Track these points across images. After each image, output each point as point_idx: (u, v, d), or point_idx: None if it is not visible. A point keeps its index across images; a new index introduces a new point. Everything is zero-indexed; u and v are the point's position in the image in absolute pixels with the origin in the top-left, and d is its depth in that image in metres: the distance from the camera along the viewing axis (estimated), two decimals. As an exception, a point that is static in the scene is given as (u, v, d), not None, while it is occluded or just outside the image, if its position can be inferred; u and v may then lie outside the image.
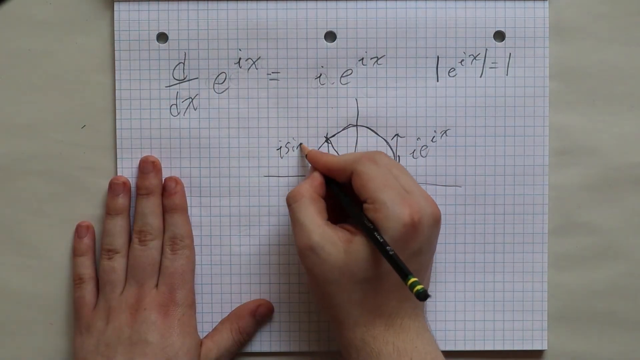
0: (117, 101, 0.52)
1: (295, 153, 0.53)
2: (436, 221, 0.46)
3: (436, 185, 0.53)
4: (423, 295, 0.41)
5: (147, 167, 0.51)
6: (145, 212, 0.51)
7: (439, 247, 0.52)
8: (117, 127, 0.52)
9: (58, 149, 0.52)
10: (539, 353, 0.54)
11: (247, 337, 0.52)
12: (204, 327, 0.53)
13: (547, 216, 0.53)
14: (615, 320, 0.53)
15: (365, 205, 0.46)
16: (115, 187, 0.51)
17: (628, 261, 0.53)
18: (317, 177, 0.49)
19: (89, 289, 0.51)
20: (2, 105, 0.52)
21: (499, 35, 0.52)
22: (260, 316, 0.52)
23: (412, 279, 0.42)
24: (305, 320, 0.53)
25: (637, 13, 0.53)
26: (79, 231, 0.52)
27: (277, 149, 0.53)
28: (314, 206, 0.47)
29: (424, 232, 0.45)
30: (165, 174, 0.52)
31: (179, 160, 0.52)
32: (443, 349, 0.53)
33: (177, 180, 0.52)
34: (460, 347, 0.53)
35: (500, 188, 0.53)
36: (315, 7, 0.52)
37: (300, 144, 0.52)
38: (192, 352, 0.50)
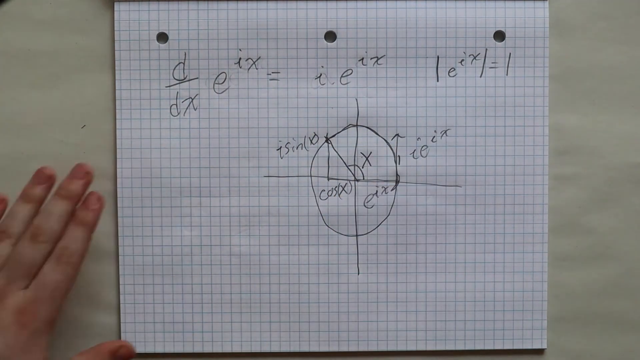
0: (117, 101, 0.52)
1: (295, 153, 0.53)
2: None
3: (436, 185, 0.53)
4: None
5: (80, 173, 0.49)
6: (53, 212, 0.48)
7: (439, 247, 0.53)
8: (117, 127, 0.52)
9: (58, 149, 0.52)
10: (539, 352, 0.54)
11: None
12: (204, 327, 0.53)
13: (547, 216, 0.53)
14: (615, 320, 0.54)
15: None
16: (41, 176, 0.49)
17: (628, 261, 0.53)
18: None
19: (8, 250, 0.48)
20: (2, 105, 0.52)
21: (499, 35, 0.52)
22: (120, 358, 0.49)
23: None
24: (305, 321, 0.53)
25: (636, 13, 0.53)
26: (40, 176, 0.49)
27: (277, 149, 0.53)
28: None
29: None
30: (165, 174, 0.52)
31: (179, 160, 0.52)
32: (443, 348, 0.53)
33: (99, 198, 0.49)
34: (460, 346, 0.53)
35: (500, 188, 0.53)
36: (315, 7, 0.52)
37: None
38: None
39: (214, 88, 0.52)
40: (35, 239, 0.47)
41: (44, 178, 0.49)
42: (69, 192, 0.49)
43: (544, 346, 0.53)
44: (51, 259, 0.47)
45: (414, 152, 0.53)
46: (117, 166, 0.52)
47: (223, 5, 0.52)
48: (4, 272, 0.47)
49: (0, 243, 0.48)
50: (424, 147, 0.53)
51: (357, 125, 0.53)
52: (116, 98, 0.52)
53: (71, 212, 0.49)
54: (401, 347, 0.53)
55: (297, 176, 0.53)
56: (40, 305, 0.47)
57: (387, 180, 0.53)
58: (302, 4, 0.52)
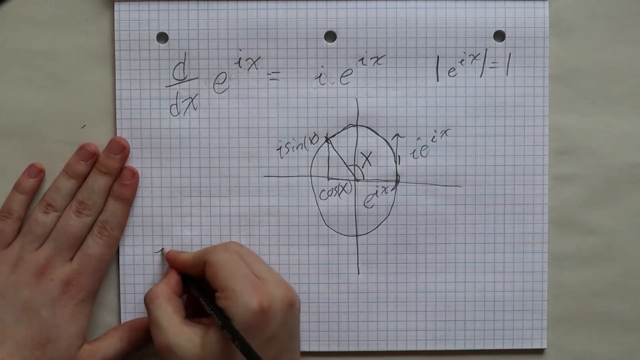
0: (117, 101, 0.52)
1: (295, 153, 0.53)
2: (289, 305, 0.46)
3: (436, 185, 0.53)
4: None
5: (116, 148, 0.51)
6: (94, 188, 0.51)
7: (439, 247, 0.53)
8: (117, 127, 0.52)
9: (58, 149, 0.52)
10: (539, 352, 0.54)
11: (136, 349, 0.52)
12: (204, 327, 0.53)
13: (547, 216, 0.53)
14: (615, 320, 0.54)
15: (216, 294, 0.46)
16: (85, 153, 0.51)
17: (628, 261, 0.53)
18: (173, 276, 0.50)
19: (12, 227, 0.51)
20: (2, 105, 0.52)
21: (499, 35, 0.52)
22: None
23: None
24: (305, 320, 0.53)
25: (636, 13, 0.53)
26: (31, 170, 0.52)
27: (277, 149, 0.53)
28: (170, 306, 0.48)
29: (275, 317, 0.45)
30: (165, 174, 0.52)
31: (179, 160, 0.52)
32: (443, 348, 0.53)
33: (134, 173, 0.52)
34: (460, 346, 0.53)
35: (500, 188, 0.53)
36: (315, 7, 0.52)
37: (162, 248, 0.52)
38: (72, 341, 0.49)
39: (214, 88, 0.52)
40: (80, 212, 0.50)
41: (87, 155, 0.51)
42: (108, 168, 0.51)
43: (544, 346, 0.53)
44: (93, 232, 0.51)
45: (414, 152, 0.53)
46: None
47: (223, 5, 0.52)
48: (51, 243, 0.50)
49: (48, 214, 0.51)
50: (424, 147, 0.53)
51: (357, 125, 0.53)
52: (116, 98, 0.52)
53: (111, 185, 0.51)
54: (401, 347, 0.53)
55: (297, 176, 0.53)
56: (85, 276, 0.50)
57: (387, 180, 0.53)
58: (302, 4, 0.52)
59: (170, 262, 0.51)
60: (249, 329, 0.44)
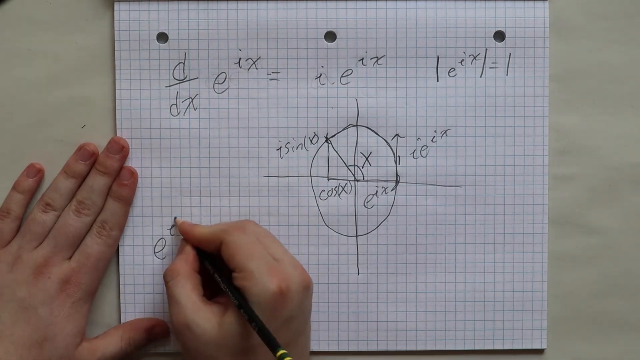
0: (117, 101, 0.52)
1: (295, 153, 0.53)
2: (305, 288, 0.47)
3: (436, 185, 0.53)
4: None
5: (115, 148, 0.51)
6: (94, 187, 0.51)
7: (439, 247, 0.53)
8: (117, 127, 0.52)
9: (58, 149, 0.52)
10: (539, 352, 0.54)
11: (135, 350, 0.52)
12: (204, 327, 0.53)
13: (547, 216, 0.53)
14: (615, 320, 0.54)
15: (233, 275, 0.46)
16: (85, 153, 0.51)
17: (628, 261, 0.53)
18: (190, 252, 0.49)
19: (10, 226, 0.51)
20: (2, 105, 0.52)
21: (499, 35, 0.52)
22: (154, 336, 0.52)
23: (281, 351, 0.41)
24: (306, 320, 0.53)
25: (636, 13, 0.53)
26: (30, 170, 0.52)
27: (277, 149, 0.53)
28: (189, 283, 0.47)
29: (293, 299, 0.45)
30: (165, 174, 0.52)
31: (179, 160, 0.52)
32: (443, 348, 0.53)
33: (133, 173, 0.52)
34: (460, 346, 0.53)
35: (500, 188, 0.53)
36: (315, 7, 0.52)
37: (175, 217, 0.52)
38: (70, 339, 0.49)
39: (214, 88, 0.52)
40: (79, 212, 0.50)
41: (87, 154, 0.51)
42: (107, 168, 0.51)
43: (544, 346, 0.53)
44: (92, 231, 0.51)
45: (414, 152, 0.53)
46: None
47: (223, 5, 0.52)
48: (50, 242, 0.50)
49: (46, 214, 0.51)
50: (424, 147, 0.53)
51: (357, 125, 0.53)
52: (116, 98, 0.52)
53: (110, 185, 0.51)
54: (401, 347, 0.53)
55: (297, 176, 0.53)
56: (83, 275, 0.50)
57: (387, 181, 0.53)
58: (302, 4, 0.52)
59: (184, 234, 0.50)
60: (267, 310, 0.44)
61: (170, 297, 0.47)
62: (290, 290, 0.45)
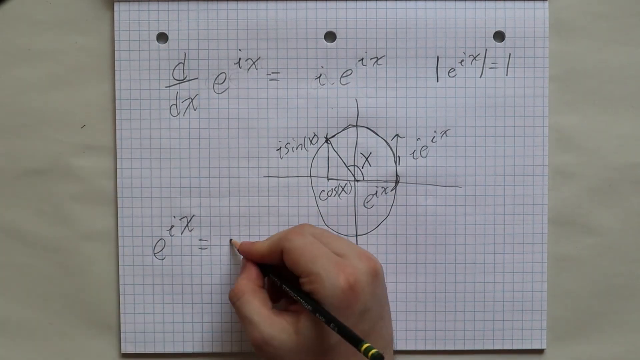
0: (117, 101, 0.52)
1: (295, 153, 0.53)
2: (374, 275, 0.46)
3: (436, 185, 0.53)
4: (379, 358, 0.40)
5: None
6: None
7: (439, 247, 0.53)
8: (117, 127, 0.52)
9: (58, 149, 0.52)
10: (539, 352, 0.54)
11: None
12: (204, 327, 0.53)
13: (547, 216, 0.53)
14: (615, 321, 0.54)
15: (301, 280, 0.46)
16: None
17: (628, 261, 0.53)
18: (252, 269, 0.49)
19: None
20: (2, 105, 0.52)
21: (499, 36, 0.52)
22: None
23: (365, 345, 0.41)
24: (305, 320, 0.53)
25: (636, 13, 0.53)
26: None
27: (277, 149, 0.53)
28: (256, 299, 0.47)
29: (364, 291, 0.45)
30: (165, 174, 0.52)
31: (179, 160, 0.52)
32: (443, 348, 0.53)
33: None
34: (459, 346, 0.53)
35: (500, 188, 0.53)
36: (315, 7, 0.52)
37: (230, 239, 0.52)
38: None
39: (213, 88, 0.52)
40: None
41: None
42: None
43: (544, 346, 0.53)
44: None
45: (413, 153, 0.53)
46: (117, 166, 0.52)
47: (223, 5, 0.52)
48: None
49: None
50: (424, 148, 0.53)
51: (357, 126, 0.53)
52: (116, 98, 0.52)
53: None
54: (401, 347, 0.53)
55: (297, 176, 0.53)
56: None
57: (387, 181, 0.53)
58: (302, 4, 0.52)
59: (245, 254, 0.50)
60: (341, 308, 0.44)
61: (242, 318, 0.47)
62: (359, 282, 0.45)
